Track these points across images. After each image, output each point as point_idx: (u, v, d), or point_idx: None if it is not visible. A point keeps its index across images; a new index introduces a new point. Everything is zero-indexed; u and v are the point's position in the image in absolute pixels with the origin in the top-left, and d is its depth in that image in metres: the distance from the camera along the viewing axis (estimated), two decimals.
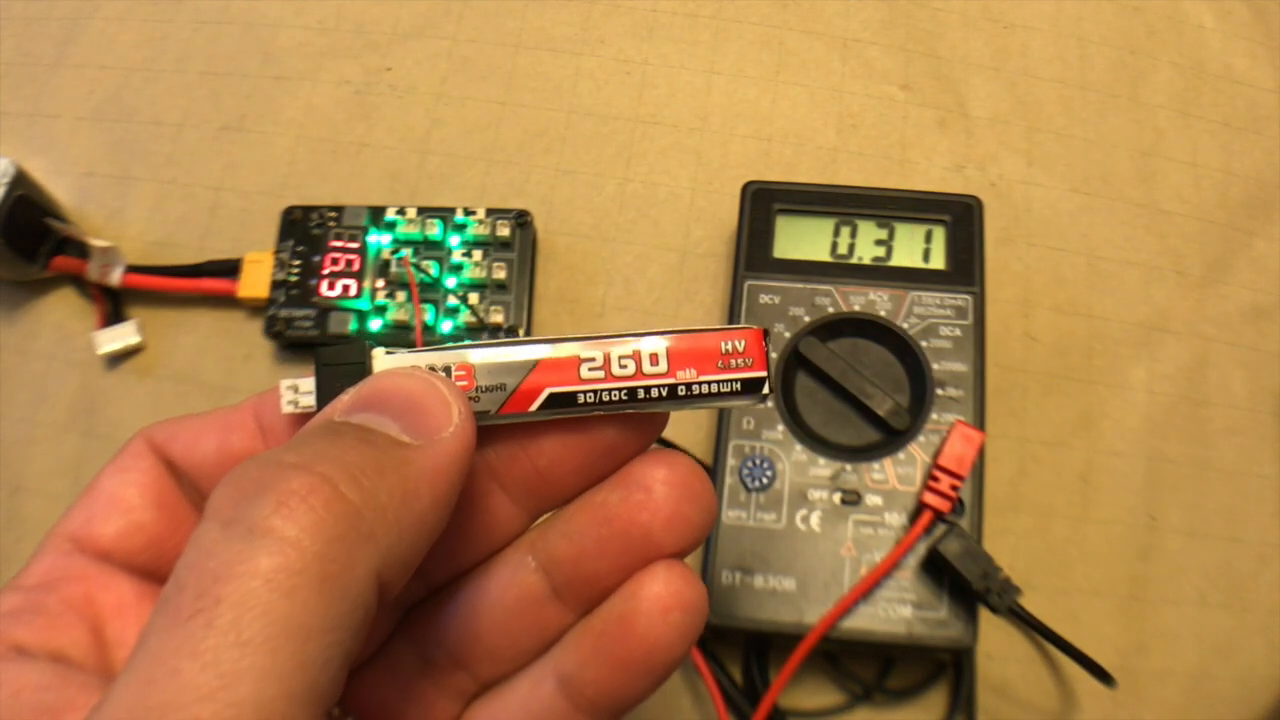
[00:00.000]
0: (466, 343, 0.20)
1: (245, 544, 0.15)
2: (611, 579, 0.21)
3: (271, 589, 0.15)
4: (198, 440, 0.22)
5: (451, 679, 0.22)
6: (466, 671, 0.22)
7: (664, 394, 0.20)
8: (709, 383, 0.20)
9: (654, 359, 0.20)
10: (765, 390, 0.20)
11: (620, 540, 0.21)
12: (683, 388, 0.20)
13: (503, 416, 0.20)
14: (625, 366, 0.20)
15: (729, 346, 0.20)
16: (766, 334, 0.20)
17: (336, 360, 0.20)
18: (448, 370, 0.20)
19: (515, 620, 0.22)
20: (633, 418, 0.20)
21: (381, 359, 0.20)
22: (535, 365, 0.20)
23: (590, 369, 0.20)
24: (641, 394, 0.20)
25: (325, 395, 0.20)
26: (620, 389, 0.20)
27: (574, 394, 0.20)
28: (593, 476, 0.21)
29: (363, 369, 0.20)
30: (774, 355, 0.37)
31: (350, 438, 0.18)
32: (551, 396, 0.20)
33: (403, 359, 0.20)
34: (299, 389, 0.20)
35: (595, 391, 0.20)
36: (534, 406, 0.20)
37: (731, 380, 0.20)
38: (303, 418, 0.20)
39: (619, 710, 0.21)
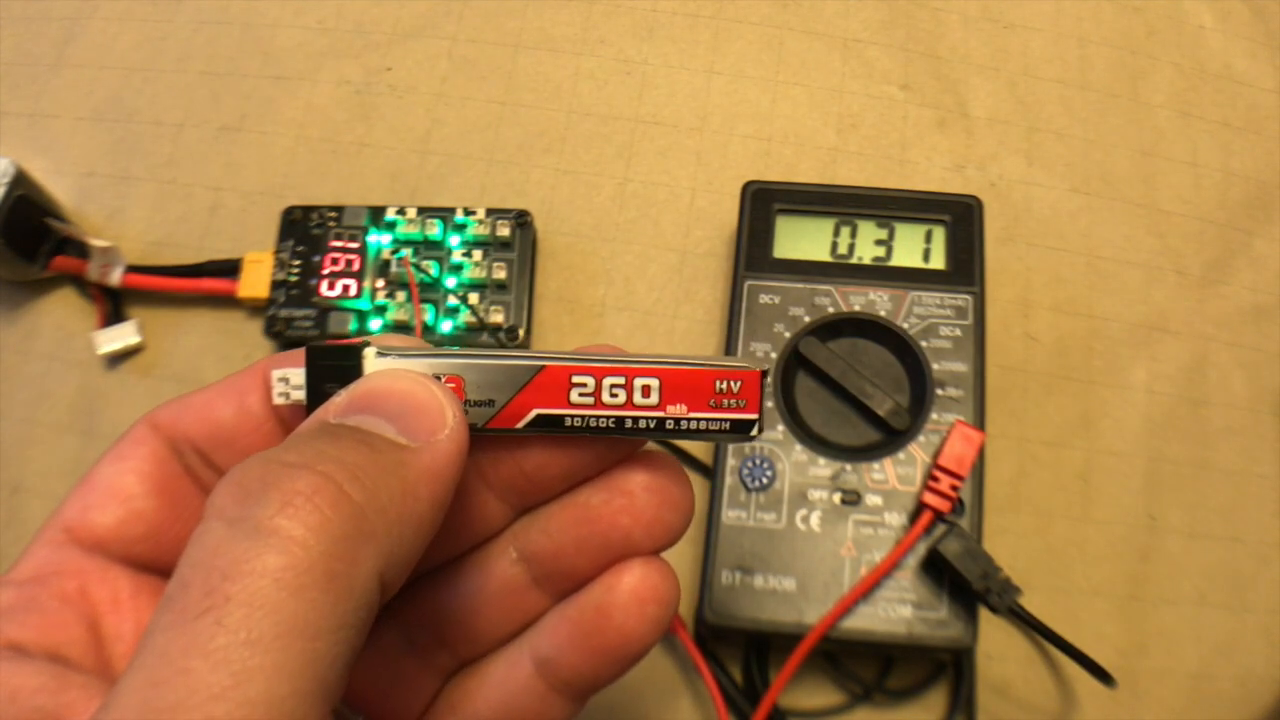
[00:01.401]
0: (458, 350, 0.20)
1: (252, 542, 0.15)
2: (589, 573, 0.21)
3: (280, 587, 0.15)
4: (211, 409, 0.21)
5: (433, 657, 0.23)
6: (448, 651, 0.23)
7: (651, 426, 0.20)
8: (698, 420, 0.20)
9: (646, 391, 0.20)
10: (754, 432, 0.20)
11: (600, 540, 0.21)
12: (671, 422, 0.20)
13: (489, 430, 0.20)
14: (616, 396, 0.20)
15: (723, 386, 0.20)
16: (764, 375, 0.20)
17: (327, 358, 0.20)
18: (437, 379, 0.20)
19: (496, 606, 0.22)
20: None
21: (373, 360, 0.19)
22: (525, 385, 0.20)
23: (581, 394, 0.20)
24: (629, 424, 0.20)
25: (314, 391, 0.20)
26: (608, 417, 0.20)
27: (561, 417, 0.20)
28: (577, 479, 0.21)
29: (354, 370, 0.19)
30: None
31: (349, 439, 0.18)
32: (539, 417, 0.20)
33: (394, 363, 0.19)
34: (290, 381, 0.20)
35: (583, 417, 0.20)
36: (521, 424, 0.20)
37: (721, 419, 0.20)
38: (296, 407, 0.20)
39: (591, 690, 0.22)
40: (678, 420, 0.20)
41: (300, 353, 0.20)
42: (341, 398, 0.19)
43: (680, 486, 0.21)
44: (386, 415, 0.18)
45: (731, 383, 0.20)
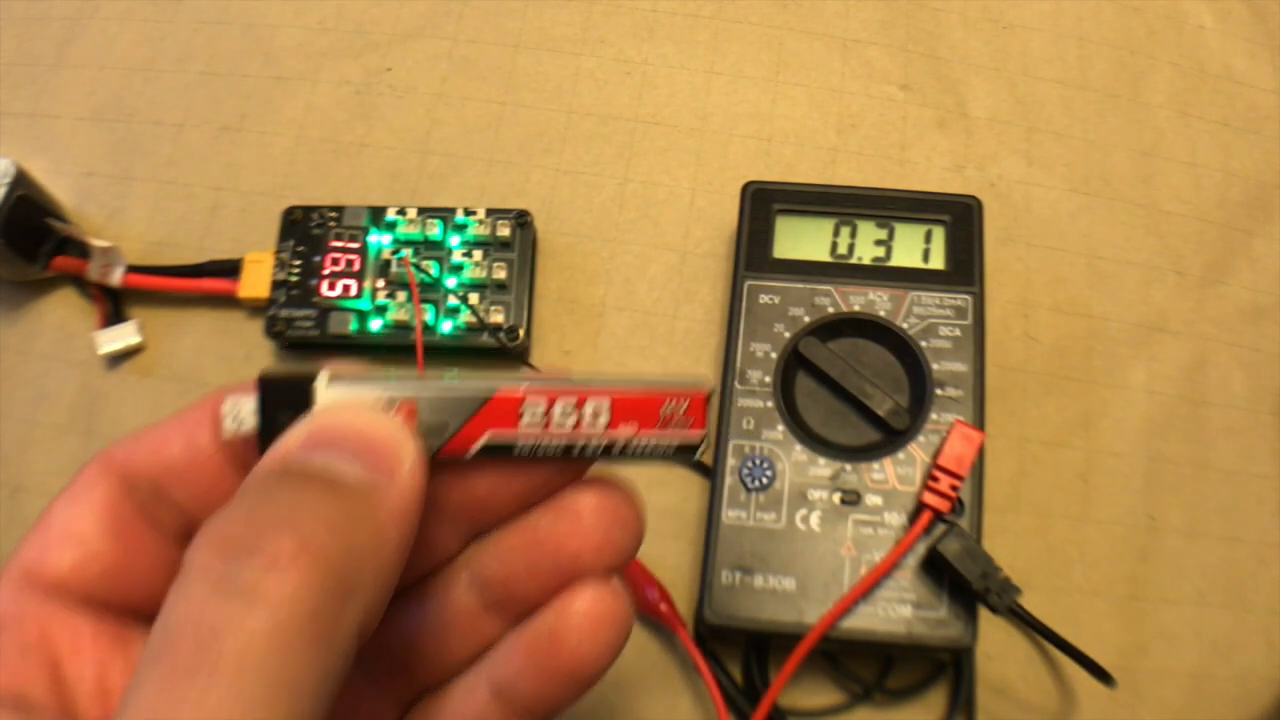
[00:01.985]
0: (411, 374, 0.20)
1: (239, 603, 0.16)
2: (541, 596, 0.22)
3: (269, 646, 0.16)
4: (164, 445, 0.21)
5: (392, 686, 0.23)
6: (406, 679, 0.23)
7: (600, 450, 0.20)
8: (645, 441, 0.20)
9: (596, 414, 0.20)
10: (699, 454, 0.20)
11: (550, 563, 0.21)
12: (619, 445, 0.20)
13: (443, 459, 0.20)
14: (566, 419, 0.20)
15: (670, 408, 0.20)
16: (709, 397, 0.20)
17: (279, 386, 0.19)
18: (392, 402, 0.20)
19: (451, 632, 0.22)
20: None
21: (324, 391, 0.19)
22: (479, 409, 0.20)
23: (530, 420, 0.20)
24: (576, 451, 0.20)
25: (268, 420, 0.19)
26: (557, 444, 0.20)
27: (511, 444, 0.20)
28: (527, 503, 0.22)
29: (306, 399, 0.19)
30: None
31: (317, 488, 0.18)
32: (490, 443, 0.20)
33: (346, 389, 0.19)
34: (241, 410, 0.20)
35: (532, 446, 0.20)
36: (472, 452, 0.20)
37: (668, 442, 0.20)
38: (248, 440, 0.20)
39: (549, 714, 0.22)
40: (626, 442, 0.20)
41: (250, 383, 0.20)
42: (300, 434, 0.19)
43: (629, 506, 0.21)
44: (348, 455, 0.18)
45: (679, 405, 0.20)
